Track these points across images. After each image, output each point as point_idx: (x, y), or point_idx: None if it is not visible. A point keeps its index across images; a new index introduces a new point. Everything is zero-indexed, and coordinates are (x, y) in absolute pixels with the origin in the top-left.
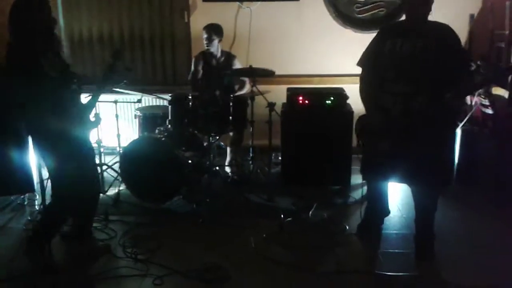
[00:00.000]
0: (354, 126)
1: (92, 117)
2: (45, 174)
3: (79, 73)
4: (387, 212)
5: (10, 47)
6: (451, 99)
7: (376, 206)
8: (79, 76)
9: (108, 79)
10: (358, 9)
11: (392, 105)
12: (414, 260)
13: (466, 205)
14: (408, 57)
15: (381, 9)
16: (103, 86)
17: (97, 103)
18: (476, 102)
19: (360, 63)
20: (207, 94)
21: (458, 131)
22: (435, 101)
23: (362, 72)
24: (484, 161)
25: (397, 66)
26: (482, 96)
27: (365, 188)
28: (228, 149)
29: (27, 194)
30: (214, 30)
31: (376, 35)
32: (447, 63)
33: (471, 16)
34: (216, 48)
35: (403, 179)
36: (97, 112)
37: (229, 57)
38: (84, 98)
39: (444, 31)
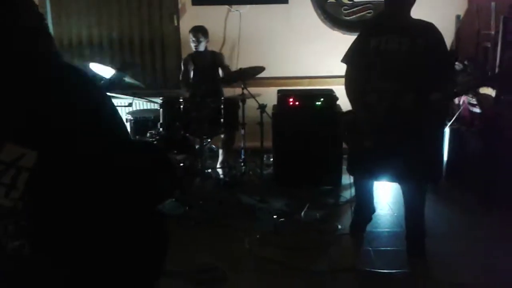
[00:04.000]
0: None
1: None
2: None
3: None
4: (373, 210)
5: None
6: (436, 99)
7: (363, 204)
8: None
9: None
10: (346, 11)
11: (377, 102)
12: (406, 257)
13: (456, 203)
14: (393, 55)
15: (368, 11)
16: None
17: None
18: (463, 101)
19: (344, 60)
20: (200, 93)
21: (447, 130)
22: (421, 98)
23: (347, 68)
24: (473, 160)
25: (382, 63)
26: (470, 95)
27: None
28: (220, 151)
29: None
30: (201, 31)
31: (360, 32)
32: (431, 61)
33: (457, 17)
34: (204, 49)
35: (390, 177)
36: None
37: (215, 55)
38: None
39: (429, 30)
